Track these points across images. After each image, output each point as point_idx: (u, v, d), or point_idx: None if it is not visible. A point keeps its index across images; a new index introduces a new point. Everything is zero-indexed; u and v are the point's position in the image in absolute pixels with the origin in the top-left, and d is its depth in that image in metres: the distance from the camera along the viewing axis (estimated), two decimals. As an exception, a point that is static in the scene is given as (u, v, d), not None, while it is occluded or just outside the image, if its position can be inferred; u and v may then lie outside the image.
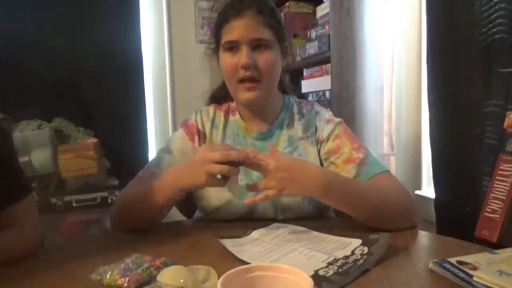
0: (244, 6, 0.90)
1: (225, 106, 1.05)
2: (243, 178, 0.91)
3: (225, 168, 0.75)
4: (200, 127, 1.01)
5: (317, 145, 0.99)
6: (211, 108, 1.04)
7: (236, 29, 0.90)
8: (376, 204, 0.81)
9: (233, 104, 1.04)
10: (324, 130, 0.98)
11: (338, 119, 1.01)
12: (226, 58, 0.92)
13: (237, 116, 1.02)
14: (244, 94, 0.92)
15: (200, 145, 0.99)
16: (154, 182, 0.85)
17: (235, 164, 0.77)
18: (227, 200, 0.93)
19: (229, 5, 0.94)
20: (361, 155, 0.91)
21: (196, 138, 1.00)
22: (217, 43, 0.97)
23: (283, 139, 0.99)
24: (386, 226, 0.79)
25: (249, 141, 0.99)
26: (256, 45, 0.91)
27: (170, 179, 0.83)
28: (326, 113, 1.02)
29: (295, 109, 1.03)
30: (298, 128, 1.00)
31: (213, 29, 1.00)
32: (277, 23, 0.94)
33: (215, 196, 0.94)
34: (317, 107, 1.05)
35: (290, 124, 1.01)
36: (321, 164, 0.97)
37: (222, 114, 1.03)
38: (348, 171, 0.90)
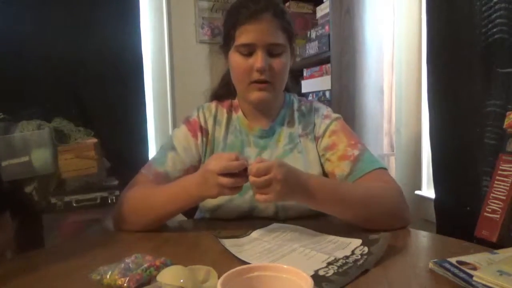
0: (261, 8, 0.89)
1: (227, 102, 1.05)
2: None
3: (230, 181, 0.75)
4: (202, 123, 1.01)
5: (316, 141, 1.00)
6: (213, 105, 1.04)
7: (253, 33, 0.89)
8: (364, 206, 0.82)
9: (235, 101, 1.05)
10: (321, 126, 0.99)
11: (336, 115, 1.02)
12: (239, 60, 0.92)
13: (240, 113, 1.03)
14: (255, 94, 0.93)
15: (202, 141, 0.99)
16: (170, 189, 0.86)
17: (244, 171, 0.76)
18: (228, 198, 0.93)
19: (243, 4, 0.92)
20: (356, 152, 0.92)
21: (199, 134, 0.99)
22: (227, 42, 0.96)
23: (283, 136, 1.00)
24: (377, 226, 0.80)
25: (251, 139, 1.01)
26: (272, 50, 0.91)
27: (187, 188, 0.83)
28: (325, 110, 1.04)
29: (295, 107, 1.05)
30: (298, 125, 1.01)
31: (223, 26, 0.98)
32: (289, 25, 0.94)
33: None
34: (316, 104, 1.06)
35: (291, 122, 1.02)
36: (320, 160, 0.98)
37: (225, 110, 1.03)
38: (343, 168, 0.91)
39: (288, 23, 0.94)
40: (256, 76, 0.91)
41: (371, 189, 0.85)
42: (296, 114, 1.03)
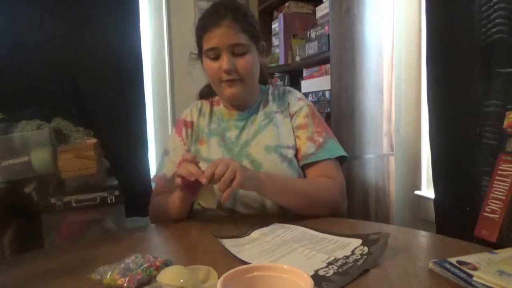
0: (220, 16, 1.00)
1: (210, 99, 1.20)
2: None
3: (178, 180, 0.87)
4: (188, 118, 1.15)
5: (290, 118, 1.11)
6: (199, 101, 1.21)
7: (215, 37, 1.00)
8: (305, 197, 0.96)
9: (216, 98, 1.18)
10: (295, 105, 1.12)
11: (308, 101, 1.15)
12: (209, 64, 1.04)
13: (221, 106, 1.16)
14: (227, 90, 1.04)
15: (187, 133, 1.13)
16: (169, 199, 1.00)
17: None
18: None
19: (206, 15, 1.05)
20: (320, 139, 1.06)
21: (183, 129, 1.13)
22: (199, 49, 1.09)
23: (259, 115, 1.12)
24: (315, 214, 0.95)
25: (231, 123, 1.12)
26: (235, 50, 1.01)
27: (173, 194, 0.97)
28: (298, 94, 1.17)
29: (270, 91, 1.17)
30: (272, 105, 1.13)
31: (195, 36, 1.11)
32: (251, 27, 1.04)
33: None
34: (289, 88, 1.19)
35: (265, 104, 1.14)
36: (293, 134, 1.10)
37: (208, 104, 1.18)
38: (309, 147, 1.05)
39: (250, 25, 1.04)
40: (224, 77, 1.02)
41: (314, 184, 1.00)
42: (270, 97, 1.15)
